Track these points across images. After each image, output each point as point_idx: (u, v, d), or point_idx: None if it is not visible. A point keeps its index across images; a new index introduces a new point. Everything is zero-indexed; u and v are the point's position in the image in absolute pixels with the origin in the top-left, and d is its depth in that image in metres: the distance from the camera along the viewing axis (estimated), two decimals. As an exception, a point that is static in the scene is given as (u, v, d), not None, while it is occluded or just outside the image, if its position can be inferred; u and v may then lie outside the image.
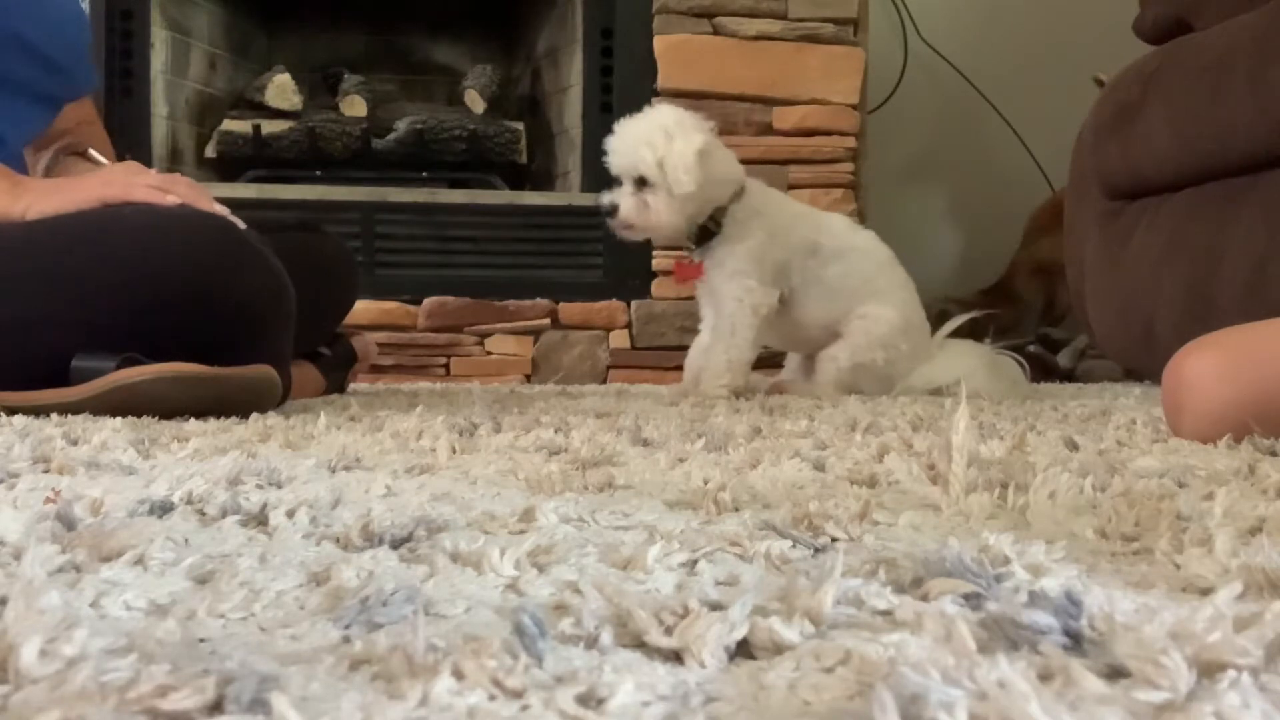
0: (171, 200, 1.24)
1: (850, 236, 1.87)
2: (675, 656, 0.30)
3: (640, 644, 0.31)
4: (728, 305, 1.76)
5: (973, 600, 0.35)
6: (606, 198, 1.75)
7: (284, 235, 1.45)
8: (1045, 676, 0.27)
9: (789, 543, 0.46)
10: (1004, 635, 0.30)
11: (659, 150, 1.68)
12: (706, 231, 1.77)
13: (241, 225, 1.25)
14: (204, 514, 0.53)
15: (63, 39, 1.40)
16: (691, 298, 2.50)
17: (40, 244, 1.19)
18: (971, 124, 3.14)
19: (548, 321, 2.49)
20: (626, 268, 2.51)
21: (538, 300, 2.48)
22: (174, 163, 2.47)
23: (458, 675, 0.27)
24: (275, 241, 1.29)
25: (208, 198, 1.29)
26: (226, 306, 1.18)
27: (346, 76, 2.69)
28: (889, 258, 1.89)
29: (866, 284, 1.84)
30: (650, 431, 0.99)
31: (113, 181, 1.26)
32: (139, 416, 1.10)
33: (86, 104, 1.53)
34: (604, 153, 1.76)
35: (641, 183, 1.71)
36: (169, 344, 1.13)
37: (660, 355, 2.51)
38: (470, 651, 0.28)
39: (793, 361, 2.02)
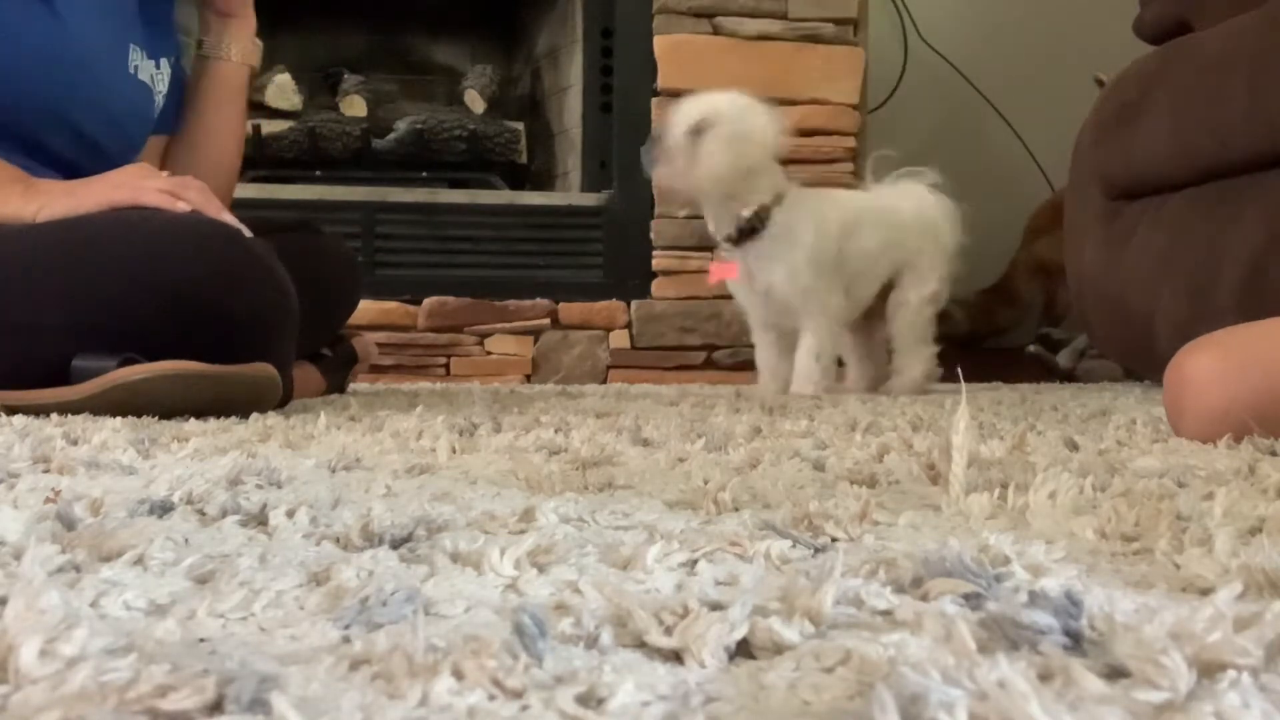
0: (182, 207, 1.23)
1: (873, 199, 1.97)
2: (675, 656, 0.30)
3: (640, 644, 0.31)
4: (808, 319, 1.85)
5: (973, 600, 0.35)
6: (656, 130, 1.83)
7: (286, 237, 1.45)
8: (1045, 676, 0.27)
9: (789, 543, 0.46)
10: (1004, 635, 0.30)
11: (729, 115, 1.78)
12: (751, 230, 1.83)
13: (248, 233, 1.24)
14: (204, 514, 0.53)
15: (119, 131, 1.39)
16: (692, 298, 2.50)
17: (45, 247, 1.19)
18: (971, 124, 3.14)
19: (548, 321, 2.49)
20: (626, 268, 2.51)
21: (538, 300, 2.48)
22: (174, 163, 2.48)
23: (458, 675, 0.27)
24: (278, 244, 1.29)
25: (217, 204, 1.28)
26: (230, 317, 1.18)
27: (346, 76, 2.69)
28: (921, 206, 2.01)
29: (900, 241, 1.97)
30: (650, 431, 0.99)
31: (123, 185, 1.25)
32: (139, 416, 1.10)
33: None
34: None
35: (695, 134, 1.78)
36: (171, 350, 1.13)
37: (660, 355, 2.51)
38: (470, 651, 0.28)
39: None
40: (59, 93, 1.31)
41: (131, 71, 1.41)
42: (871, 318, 2.01)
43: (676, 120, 1.82)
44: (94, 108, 1.35)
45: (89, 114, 1.34)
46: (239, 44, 1.51)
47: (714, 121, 1.77)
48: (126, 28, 1.40)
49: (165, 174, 1.29)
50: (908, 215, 1.97)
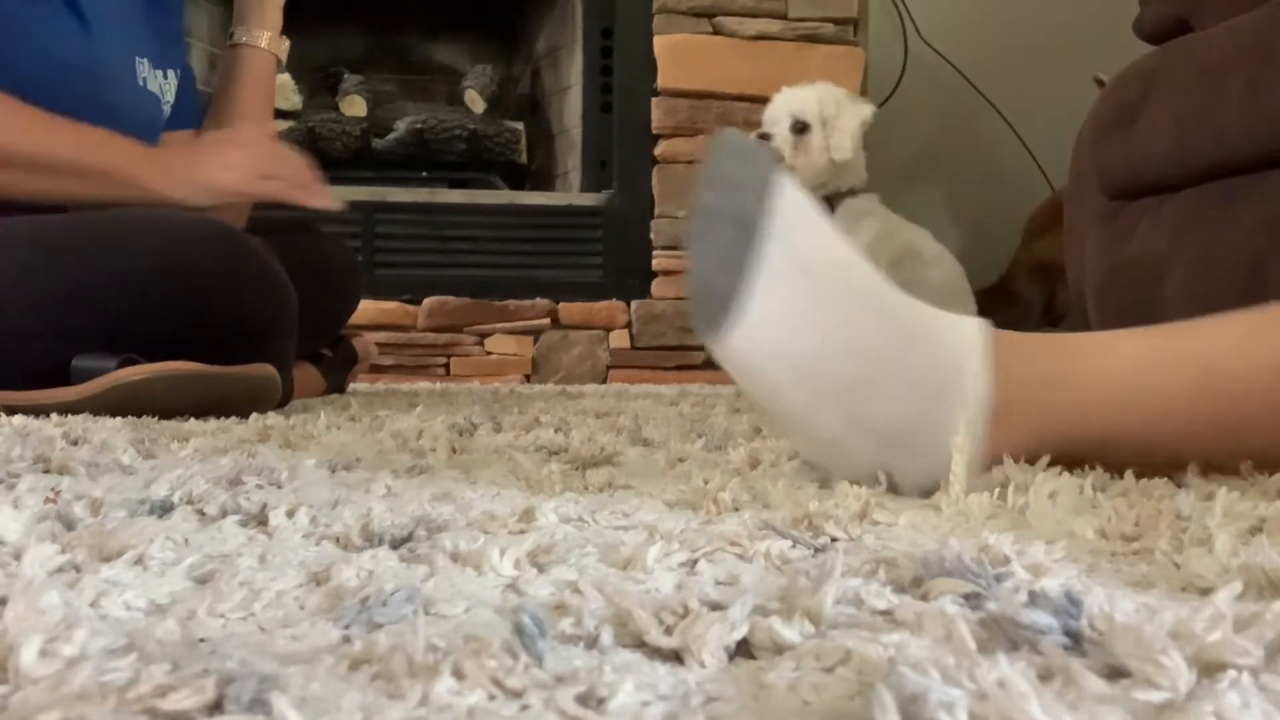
0: (272, 188, 1.27)
1: (936, 245, 1.99)
2: (675, 656, 0.30)
3: (640, 644, 0.31)
4: None
5: (973, 600, 0.35)
6: (758, 132, 1.90)
7: (286, 238, 1.45)
8: (1045, 676, 0.27)
9: (789, 543, 0.46)
10: (1004, 635, 0.30)
11: (829, 109, 1.86)
12: None
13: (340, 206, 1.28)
14: (204, 514, 0.53)
15: (131, 134, 1.38)
16: (691, 298, 2.50)
17: (47, 248, 1.19)
18: (971, 124, 3.14)
19: (548, 321, 2.49)
20: (626, 268, 2.51)
21: (538, 300, 2.48)
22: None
23: (458, 675, 0.27)
24: (278, 244, 1.29)
25: (307, 187, 1.31)
26: (230, 317, 1.19)
27: (346, 76, 2.69)
28: (961, 270, 2.03)
29: (956, 289, 1.97)
30: (650, 431, 0.99)
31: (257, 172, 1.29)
32: (139, 416, 1.10)
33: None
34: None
35: (798, 131, 1.87)
36: (171, 350, 1.14)
37: (660, 355, 2.51)
38: (470, 651, 0.28)
39: None
40: (78, 102, 1.31)
41: (140, 83, 1.41)
42: None
43: (776, 118, 1.89)
44: (109, 116, 1.35)
45: (103, 122, 1.35)
46: (269, 31, 1.53)
47: (814, 118, 1.86)
48: (135, 40, 1.41)
49: (278, 144, 1.35)
50: (960, 277, 2.00)
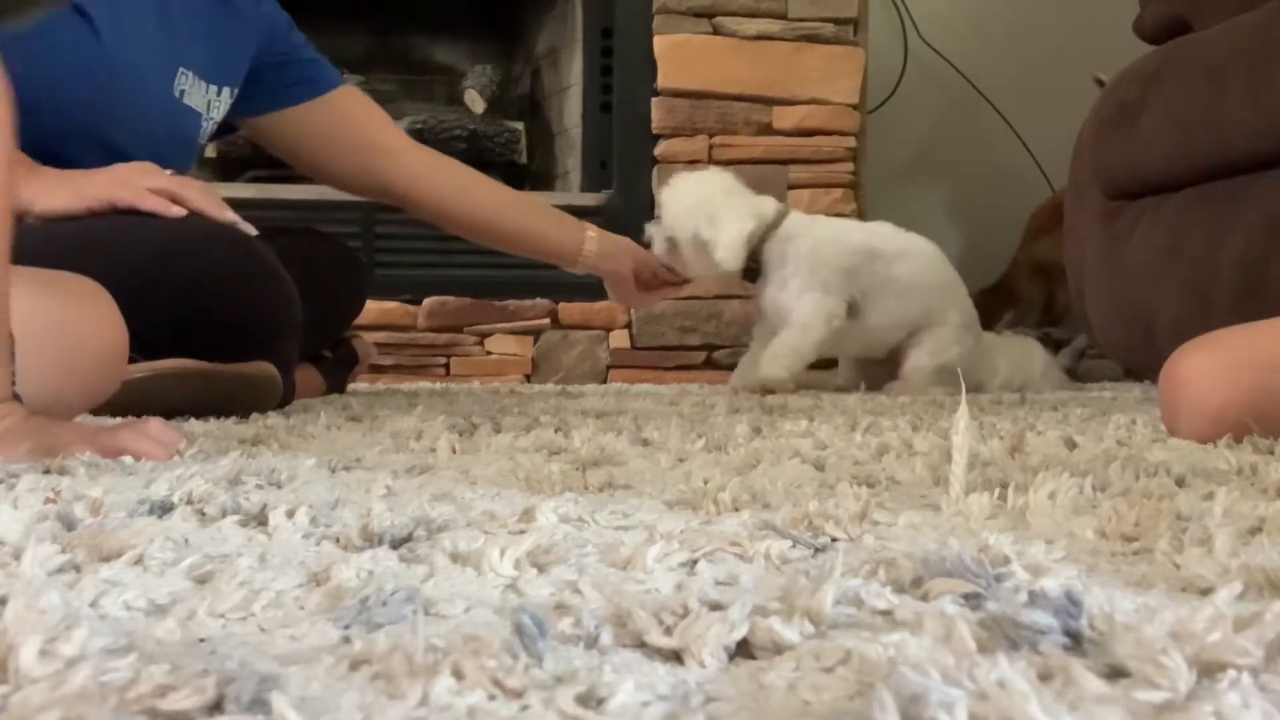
0: (176, 211, 1.22)
1: (902, 239, 1.94)
2: (675, 656, 0.30)
3: (640, 644, 0.31)
4: (799, 315, 1.81)
5: (973, 600, 0.35)
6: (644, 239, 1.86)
7: (289, 241, 1.45)
8: (1045, 676, 0.27)
9: (789, 543, 0.46)
10: (1004, 635, 0.30)
11: (705, 229, 1.79)
12: (750, 271, 1.85)
13: (254, 231, 1.24)
14: (204, 514, 0.53)
15: (153, 152, 1.32)
16: (692, 298, 2.51)
17: (54, 252, 1.19)
18: (971, 124, 3.14)
19: (548, 321, 2.49)
20: (626, 268, 2.51)
21: (538, 300, 2.48)
22: (174, 163, 2.47)
23: (458, 675, 0.27)
24: (281, 247, 1.29)
25: (217, 202, 1.26)
26: (235, 320, 1.19)
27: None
28: (941, 257, 1.96)
29: (931, 284, 1.92)
30: (650, 431, 0.99)
31: (126, 183, 1.23)
32: (139, 415, 1.10)
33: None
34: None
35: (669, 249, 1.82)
36: (173, 350, 1.14)
37: (660, 355, 2.51)
38: (470, 651, 0.28)
39: (843, 367, 2.06)
40: (87, 108, 1.27)
41: (176, 95, 1.35)
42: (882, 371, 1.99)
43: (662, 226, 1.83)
44: (124, 126, 1.30)
45: (118, 132, 1.30)
46: None
47: (686, 232, 1.80)
48: (179, 50, 1.35)
49: (169, 173, 1.27)
50: (937, 265, 1.95)
